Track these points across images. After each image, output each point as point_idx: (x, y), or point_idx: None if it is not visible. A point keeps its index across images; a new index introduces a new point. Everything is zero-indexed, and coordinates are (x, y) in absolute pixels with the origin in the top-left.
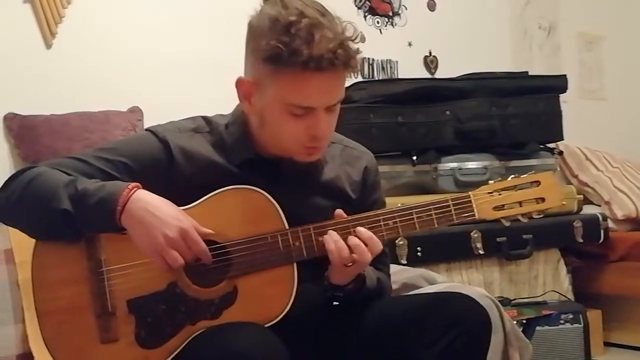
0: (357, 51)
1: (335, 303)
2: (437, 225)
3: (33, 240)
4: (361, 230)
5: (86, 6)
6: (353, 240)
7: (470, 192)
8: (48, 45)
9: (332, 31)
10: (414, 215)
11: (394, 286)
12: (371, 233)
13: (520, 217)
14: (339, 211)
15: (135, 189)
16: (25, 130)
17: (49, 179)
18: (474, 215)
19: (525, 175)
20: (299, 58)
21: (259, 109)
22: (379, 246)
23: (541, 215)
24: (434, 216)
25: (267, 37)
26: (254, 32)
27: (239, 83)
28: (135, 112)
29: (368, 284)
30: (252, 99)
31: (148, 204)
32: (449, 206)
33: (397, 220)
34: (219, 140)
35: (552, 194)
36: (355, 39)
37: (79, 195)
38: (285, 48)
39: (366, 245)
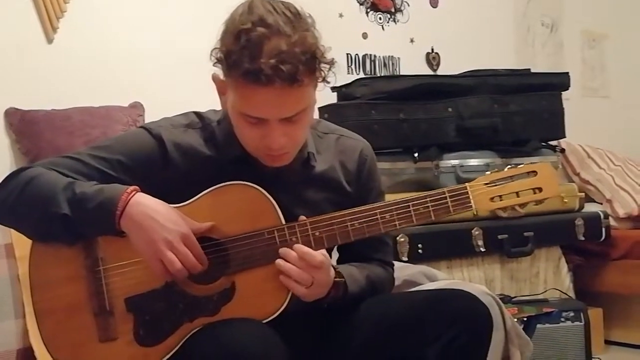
0: (323, 61)
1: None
2: (434, 218)
3: None
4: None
5: (88, 1)
6: (282, 266)
7: (467, 184)
8: (49, 40)
9: (288, 43)
10: (411, 208)
11: (395, 282)
12: (303, 250)
13: (517, 208)
14: (301, 218)
15: (134, 192)
16: (26, 125)
17: (46, 182)
18: (471, 206)
19: (522, 166)
20: (239, 70)
21: (227, 108)
22: (314, 259)
23: (538, 205)
24: (430, 208)
25: (221, 40)
26: (221, 31)
27: (213, 79)
28: (137, 107)
29: (351, 289)
30: (224, 96)
31: (147, 208)
32: (445, 198)
33: (394, 213)
34: (211, 136)
35: (549, 183)
36: (322, 54)
37: (78, 199)
38: (228, 57)
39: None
